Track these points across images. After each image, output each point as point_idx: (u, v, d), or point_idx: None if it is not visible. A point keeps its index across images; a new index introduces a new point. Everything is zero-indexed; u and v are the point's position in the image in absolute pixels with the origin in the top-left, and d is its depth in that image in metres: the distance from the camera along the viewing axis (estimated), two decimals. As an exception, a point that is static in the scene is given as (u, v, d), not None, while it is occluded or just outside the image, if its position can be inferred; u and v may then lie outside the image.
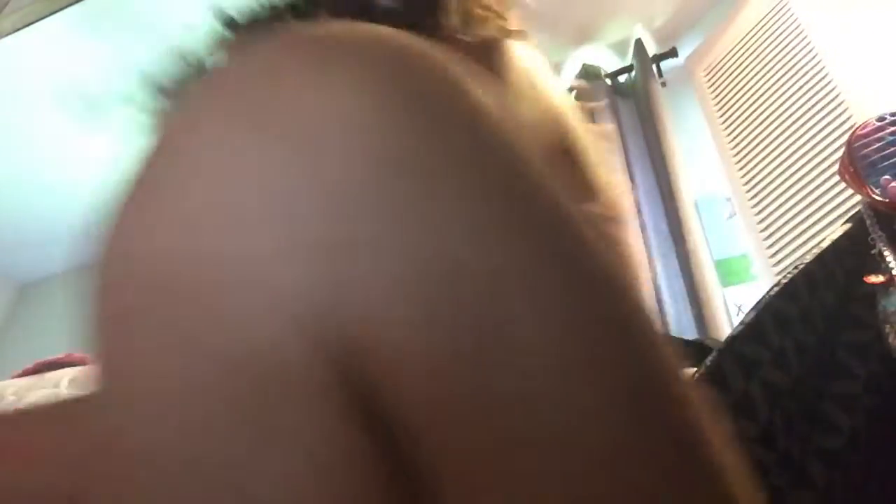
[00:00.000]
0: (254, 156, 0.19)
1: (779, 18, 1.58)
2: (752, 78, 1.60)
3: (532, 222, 0.18)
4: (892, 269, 1.03)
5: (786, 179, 1.45)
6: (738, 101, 1.63)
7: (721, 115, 1.67)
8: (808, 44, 1.49)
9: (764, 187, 1.51)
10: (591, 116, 1.37)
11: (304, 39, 0.21)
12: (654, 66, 1.76)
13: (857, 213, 1.13)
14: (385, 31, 0.21)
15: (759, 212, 1.51)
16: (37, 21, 1.66)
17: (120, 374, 0.19)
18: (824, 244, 0.84)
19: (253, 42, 0.22)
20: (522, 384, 0.17)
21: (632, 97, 1.77)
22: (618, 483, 0.17)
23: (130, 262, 0.20)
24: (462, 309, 0.17)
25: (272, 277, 0.18)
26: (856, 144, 1.12)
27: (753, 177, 1.55)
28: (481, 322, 0.17)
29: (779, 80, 1.53)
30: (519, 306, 0.17)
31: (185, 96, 0.22)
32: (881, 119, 1.12)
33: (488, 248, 0.17)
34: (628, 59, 1.81)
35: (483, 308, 0.17)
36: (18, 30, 1.67)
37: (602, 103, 1.71)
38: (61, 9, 1.65)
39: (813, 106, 1.43)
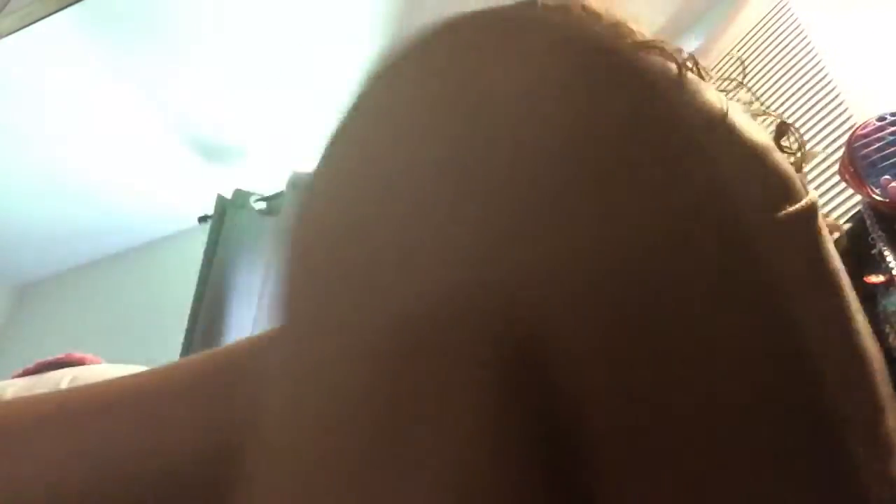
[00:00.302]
0: (446, 128, 0.19)
1: (779, 19, 1.58)
2: (751, 78, 1.60)
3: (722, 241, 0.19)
4: (892, 269, 1.03)
5: (786, 179, 1.45)
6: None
7: (721, 116, 1.67)
8: (808, 44, 1.48)
9: (764, 187, 1.51)
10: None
11: (488, 17, 0.22)
12: (653, 67, 1.76)
13: (857, 213, 1.12)
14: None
15: (759, 212, 1.51)
16: (36, 21, 1.66)
17: (296, 327, 0.20)
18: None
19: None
20: (693, 392, 0.17)
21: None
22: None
23: (318, 222, 0.21)
24: (643, 313, 0.17)
25: (454, 249, 0.18)
26: (856, 144, 1.12)
27: (753, 177, 1.54)
28: (659, 328, 0.17)
29: (779, 80, 1.53)
30: (699, 328, 0.17)
31: (386, 62, 0.22)
32: (881, 119, 1.12)
33: (670, 260, 0.18)
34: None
35: (664, 317, 0.17)
36: (18, 30, 1.67)
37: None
38: (61, 9, 1.65)
39: (813, 106, 1.43)
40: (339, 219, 0.20)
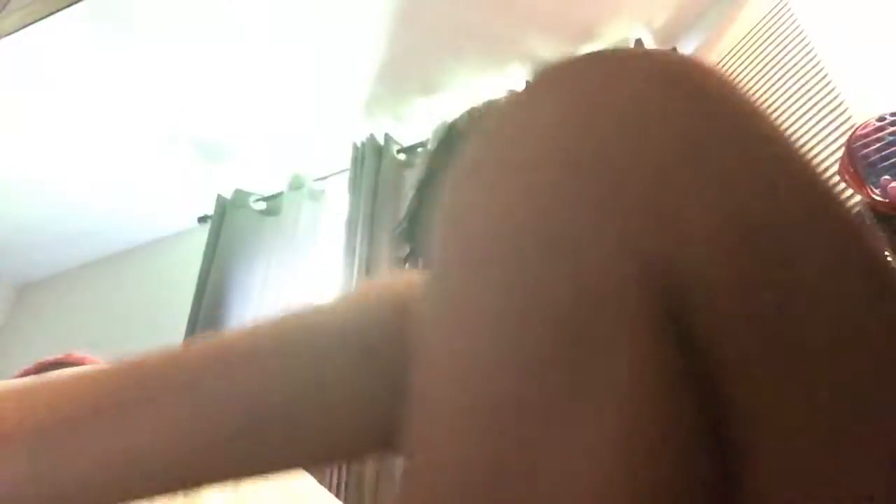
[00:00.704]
0: (594, 129, 0.24)
1: (778, 19, 1.58)
2: (751, 78, 1.60)
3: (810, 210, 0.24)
4: (892, 269, 1.02)
5: (786, 179, 1.45)
6: (737, 101, 1.63)
7: (721, 116, 1.66)
8: (807, 44, 1.48)
9: (764, 187, 1.51)
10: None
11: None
12: (653, 67, 1.76)
13: (856, 213, 1.12)
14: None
15: (759, 212, 1.50)
16: (36, 21, 1.66)
17: (461, 296, 0.24)
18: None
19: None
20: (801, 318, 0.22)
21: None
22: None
23: (480, 216, 0.25)
24: (761, 258, 0.22)
25: (608, 225, 0.22)
26: (856, 144, 1.12)
27: (753, 177, 1.54)
28: (774, 272, 0.22)
29: (778, 80, 1.53)
30: (803, 267, 0.22)
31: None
32: (881, 119, 1.12)
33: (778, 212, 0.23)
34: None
35: (777, 261, 0.22)
36: (18, 30, 1.67)
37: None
38: (61, 9, 1.66)
39: (813, 106, 1.43)
40: (521, 197, 0.24)
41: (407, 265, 0.78)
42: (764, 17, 1.61)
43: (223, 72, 1.90)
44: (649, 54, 0.27)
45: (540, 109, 0.26)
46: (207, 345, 0.34)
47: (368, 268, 1.77)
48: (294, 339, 0.33)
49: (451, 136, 0.82)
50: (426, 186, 0.80)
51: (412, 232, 0.80)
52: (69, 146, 2.07)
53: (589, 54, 0.28)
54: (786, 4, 1.57)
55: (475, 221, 0.25)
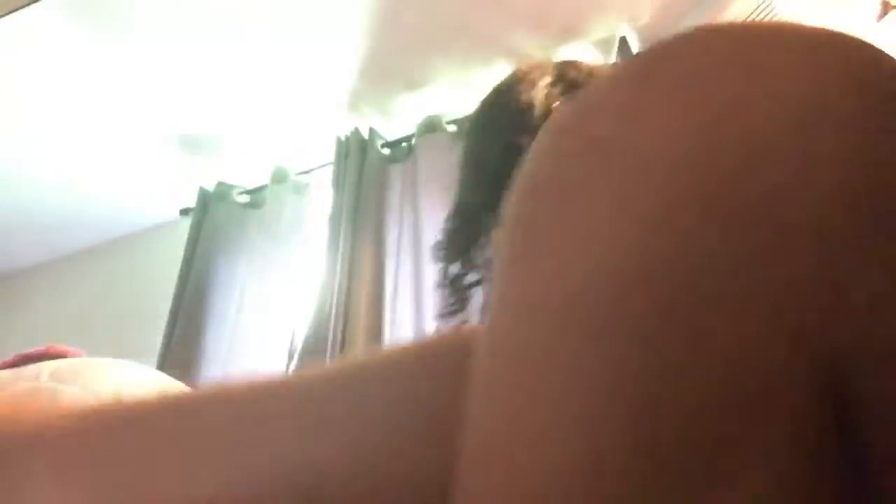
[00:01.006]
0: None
1: (763, 17, 1.59)
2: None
3: None
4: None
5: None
6: (720, 99, 1.64)
7: (704, 114, 1.68)
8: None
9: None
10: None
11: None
12: (638, 64, 1.77)
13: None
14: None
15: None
16: (15, 11, 1.64)
17: (553, 368, 0.19)
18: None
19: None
20: None
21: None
22: None
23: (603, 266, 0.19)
24: None
25: (769, 297, 0.17)
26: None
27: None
28: None
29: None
30: None
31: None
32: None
33: None
34: (613, 58, 1.81)
35: None
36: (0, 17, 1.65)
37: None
38: (41, -3, 1.63)
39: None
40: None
41: (454, 289, 0.60)
42: (748, 17, 1.62)
43: (207, 64, 1.89)
44: (840, 45, 0.20)
45: (665, 104, 0.19)
46: (260, 390, 0.29)
47: (351, 262, 1.77)
48: (357, 396, 0.28)
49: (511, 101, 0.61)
50: (483, 176, 0.60)
51: (463, 246, 0.61)
52: (50, 136, 2.05)
53: (740, 27, 0.21)
54: (769, 4, 1.58)
55: (565, 262, 0.19)
